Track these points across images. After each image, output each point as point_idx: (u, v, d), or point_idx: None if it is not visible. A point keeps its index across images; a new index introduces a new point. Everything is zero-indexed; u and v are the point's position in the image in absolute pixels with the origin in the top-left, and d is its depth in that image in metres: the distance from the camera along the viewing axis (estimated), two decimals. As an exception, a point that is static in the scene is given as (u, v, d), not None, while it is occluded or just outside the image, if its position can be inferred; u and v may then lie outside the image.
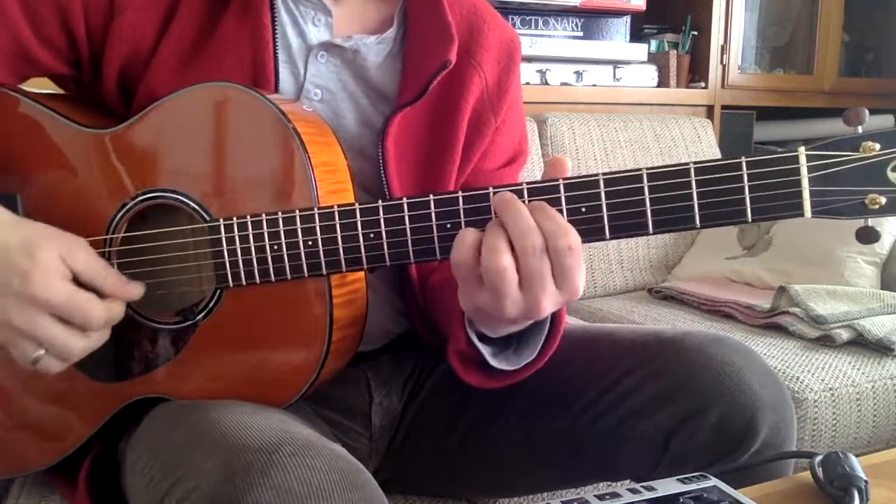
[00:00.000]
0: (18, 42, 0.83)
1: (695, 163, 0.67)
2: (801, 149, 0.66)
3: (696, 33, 2.47)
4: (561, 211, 0.69)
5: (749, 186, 0.67)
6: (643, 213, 0.68)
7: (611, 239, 0.69)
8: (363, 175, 0.88)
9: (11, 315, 0.73)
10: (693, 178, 0.67)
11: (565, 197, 0.69)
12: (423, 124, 0.91)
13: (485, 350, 0.78)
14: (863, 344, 1.55)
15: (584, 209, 0.69)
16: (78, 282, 0.75)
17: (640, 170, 0.68)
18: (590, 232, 0.69)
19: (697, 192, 0.67)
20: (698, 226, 0.67)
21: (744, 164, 0.67)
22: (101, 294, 0.76)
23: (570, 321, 1.88)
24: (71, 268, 0.74)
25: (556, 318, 0.78)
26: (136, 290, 0.79)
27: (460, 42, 0.91)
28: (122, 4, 0.83)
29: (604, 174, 0.69)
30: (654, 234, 0.68)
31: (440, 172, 0.93)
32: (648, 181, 0.68)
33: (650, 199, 0.68)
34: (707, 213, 0.68)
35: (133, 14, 0.83)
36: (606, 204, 0.69)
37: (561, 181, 0.69)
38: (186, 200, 0.79)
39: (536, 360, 0.80)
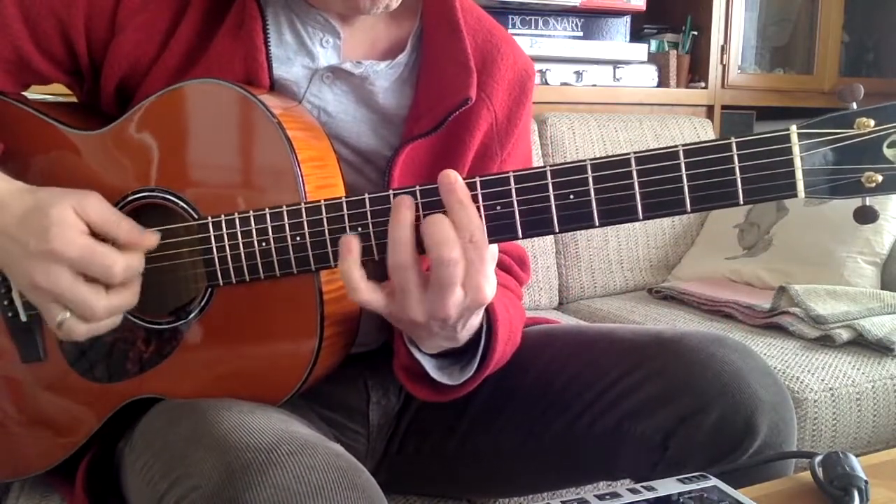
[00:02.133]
0: (19, 53, 0.83)
1: (684, 145, 0.66)
2: (793, 127, 0.65)
3: (696, 33, 2.47)
4: (548, 198, 0.68)
5: (740, 167, 0.65)
6: (632, 197, 0.67)
7: (601, 226, 0.68)
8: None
9: (34, 275, 0.72)
10: (682, 161, 0.66)
11: (552, 183, 0.68)
12: (428, 154, 0.88)
13: (426, 363, 0.79)
14: (863, 344, 1.55)
15: (571, 196, 0.68)
16: (96, 236, 0.74)
17: (627, 154, 0.67)
18: (579, 218, 0.69)
19: (687, 175, 0.66)
20: (689, 210, 0.66)
21: (734, 145, 0.65)
22: (117, 246, 0.75)
23: (568, 321, 1.87)
24: (84, 219, 0.74)
25: (491, 332, 0.80)
26: (150, 237, 0.77)
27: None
28: (123, 23, 0.83)
29: (591, 160, 0.68)
30: (645, 219, 0.67)
31: None
32: (637, 165, 0.67)
33: (639, 182, 0.67)
34: (697, 195, 0.66)
35: (133, 33, 0.83)
36: (594, 189, 0.68)
37: (548, 168, 0.68)
38: (175, 199, 0.79)
39: (476, 376, 0.81)
